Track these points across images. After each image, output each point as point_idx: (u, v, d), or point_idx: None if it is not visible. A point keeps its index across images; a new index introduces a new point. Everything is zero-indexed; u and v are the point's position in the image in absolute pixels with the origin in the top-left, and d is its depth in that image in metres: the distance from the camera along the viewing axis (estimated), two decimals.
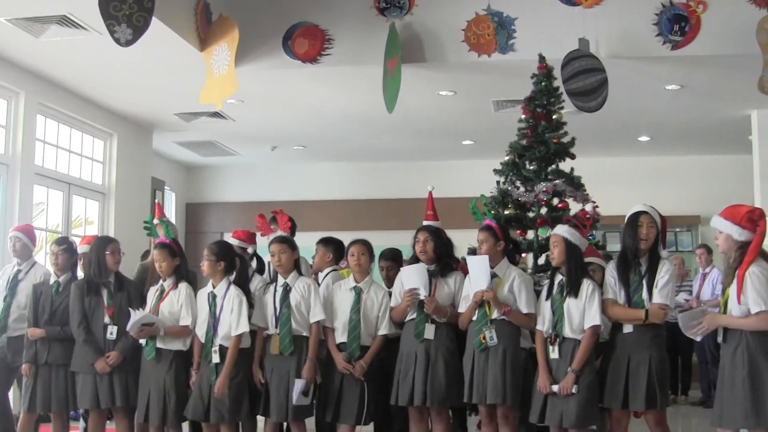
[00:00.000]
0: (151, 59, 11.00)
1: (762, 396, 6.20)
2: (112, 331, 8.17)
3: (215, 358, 7.77)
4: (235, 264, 8.12)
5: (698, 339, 6.89)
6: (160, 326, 7.95)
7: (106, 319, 8.20)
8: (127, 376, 8.16)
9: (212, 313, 7.87)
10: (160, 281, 8.21)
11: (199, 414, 7.81)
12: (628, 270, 7.04)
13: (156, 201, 9.99)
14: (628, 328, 7.00)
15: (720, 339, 6.57)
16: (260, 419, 8.13)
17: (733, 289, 6.37)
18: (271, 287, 8.05)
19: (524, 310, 7.38)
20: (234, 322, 7.79)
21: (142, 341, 8.04)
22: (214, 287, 7.97)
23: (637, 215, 7.06)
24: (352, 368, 7.72)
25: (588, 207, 8.67)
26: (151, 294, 8.22)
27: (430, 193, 8.35)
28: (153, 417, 7.92)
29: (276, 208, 9.16)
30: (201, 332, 7.90)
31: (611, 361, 7.05)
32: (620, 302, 7.03)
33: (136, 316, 7.88)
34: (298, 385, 7.63)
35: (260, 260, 9.13)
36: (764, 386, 6.21)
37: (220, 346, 7.79)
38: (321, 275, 8.83)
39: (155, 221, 8.83)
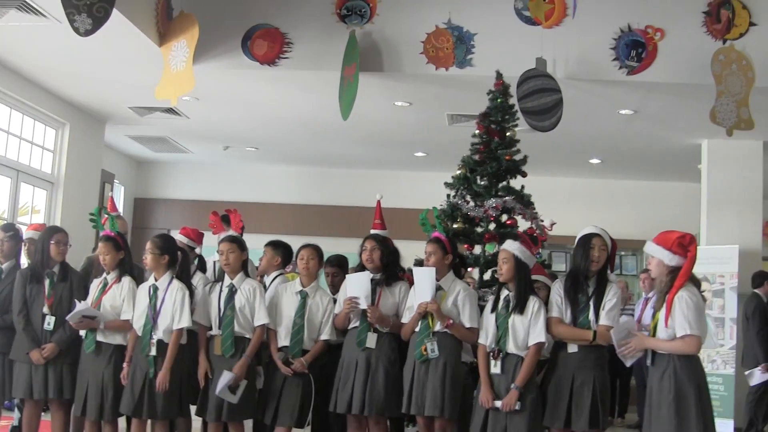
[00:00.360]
0: (109, 51, 10.93)
1: (687, 420, 6.29)
2: (49, 322, 8.12)
3: (153, 351, 7.72)
4: (178, 258, 8.09)
5: (628, 364, 6.93)
6: (101, 320, 7.89)
7: (45, 309, 8.15)
8: (62, 369, 8.11)
9: (152, 306, 7.81)
10: (104, 274, 8.15)
11: (130, 408, 7.75)
12: (576, 290, 7.09)
13: (110, 195, 9.90)
14: (572, 348, 7.05)
15: (648, 362, 6.63)
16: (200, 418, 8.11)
17: (662, 314, 6.47)
18: (217, 287, 8.02)
19: (467, 324, 7.40)
20: (177, 316, 7.77)
21: (82, 333, 7.98)
22: (156, 280, 7.93)
23: (589, 237, 7.13)
24: (291, 368, 7.71)
25: (546, 222, 8.71)
26: (94, 286, 8.16)
27: (379, 202, 8.36)
28: (90, 411, 7.87)
29: (226, 207, 9.14)
30: (138, 325, 7.83)
31: (553, 380, 7.08)
32: (566, 321, 7.07)
33: (79, 306, 7.83)
34: (226, 377, 7.60)
35: (202, 259, 9.08)
36: (689, 410, 6.30)
37: (159, 340, 7.75)
38: (268, 279, 8.80)
39: (106, 215, 8.78)
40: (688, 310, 6.34)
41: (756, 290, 12.68)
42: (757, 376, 12.19)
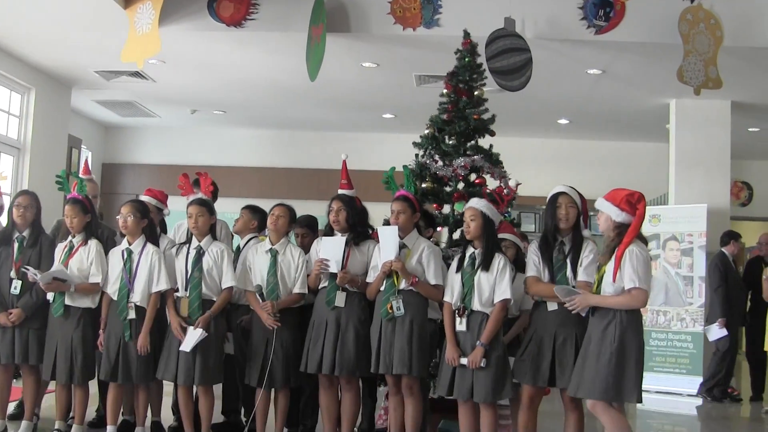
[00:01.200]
0: (73, 14, 10.87)
1: (626, 371, 6.34)
2: (16, 286, 8.03)
3: (131, 314, 7.75)
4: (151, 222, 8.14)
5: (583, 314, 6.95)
6: (71, 283, 7.85)
7: (12, 273, 8.06)
8: (28, 334, 8.04)
9: (128, 270, 7.82)
10: (69, 237, 8.10)
11: (108, 373, 7.76)
12: (550, 249, 7.09)
13: (85, 158, 9.85)
14: (552, 306, 7.01)
15: (589, 313, 6.66)
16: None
17: (609, 268, 6.50)
18: (184, 249, 7.99)
19: (432, 282, 7.40)
20: (155, 278, 7.81)
21: (49, 297, 7.93)
22: (130, 244, 7.91)
23: (556, 196, 7.10)
24: (268, 312, 7.74)
25: (512, 182, 8.69)
26: (60, 250, 8.09)
27: (344, 162, 8.32)
28: (60, 374, 7.85)
29: (195, 171, 9.08)
30: (113, 289, 7.84)
31: (534, 339, 7.07)
32: (544, 281, 7.08)
33: (54, 267, 7.82)
34: (194, 335, 7.62)
35: (163, 221, 9.03)
36: (630, 362, 6.35)
37: (136, 303, 7.77)
38: (242, 241, 8.78)
39: (76, 179, 8.73)
40: (638, 263, 6.38)
41: (723, 249, 12.77)
42: (714, 332, 12.31)
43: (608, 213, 6.65)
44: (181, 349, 7.65)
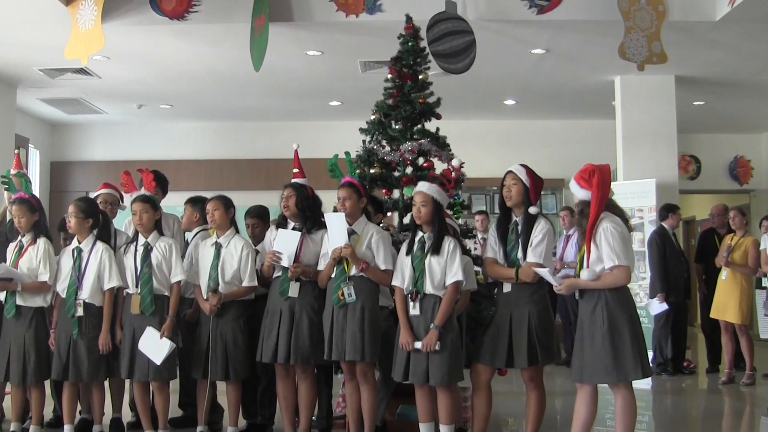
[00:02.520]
0: (15, 12, 10.78)
1: (621, 350, 6.37)
2: None
3: (79, 311, 7.74)
4: (100, 220, 8.10)
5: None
6: (19, 281, 7.82)
7: None
8: None
9: (77, 267, 7.82)
10: (19, 237, 8.06)
11: (59, 372, 7.77)
12: (503, 229, 7.17)
13: (15, 152, 9.75)
14: (507, 287, 7.13)
15: (577, 295, 6.69)
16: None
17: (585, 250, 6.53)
18: (131, 247, 8.00)
19: (382, 267, 7.42)
20: (105, 276, 7.83)
21: (1, 297, 7.89)
22: (79, 243, 7.91)
23: (505, 175, 7.18)
24: (212, 301, 7.78)
25: (455, 162, 8.70)
26: (10, 250, 8.07)
27: (296, 151, 8.34)
28: (13, 375, 7.85)
29: (143, 166, 9.06)
30: (62, 287, 7.84)
31: (494, 320, 7.16)
32: (500, 261, 7.15)
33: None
34: (152, 336, 7.67)
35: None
36: (623, 341, 6.38)
37: (84, 301, 7.76)
38: (190, 235, 8.78)
39: (12, 173, 8.66)
40: (613, 240, 6.41)
41: (662, 223, 12.89)
42: (654, 306, 12.42)
43: (573, 191, 6.70)
44: (153, 359, 7.67)
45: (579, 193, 6.62)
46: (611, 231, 6.42)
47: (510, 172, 7.19)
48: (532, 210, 7.14)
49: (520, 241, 7.07)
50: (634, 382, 6.52)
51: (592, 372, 6.50)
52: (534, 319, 7.00)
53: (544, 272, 6.78)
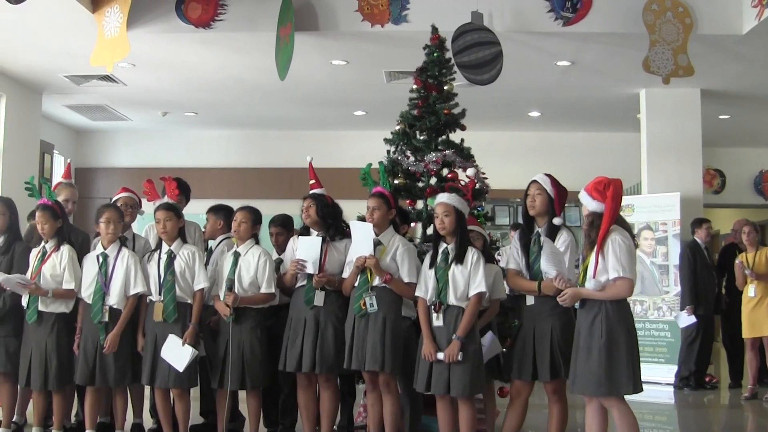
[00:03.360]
0: (41, 19, 10.80)
1: (616, 365, 6.34)
2: None
3: (106, 317, 7.78)
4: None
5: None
6: (49, 288, 7.85)
7: None
8: (1, 341, 8.06)
9: (103, 273, 7.84)
10: (42, 243, 8.08)
11: (85, 377, 7.78)
12: (526, 239, 7.15)
13: (68, 161, 9.86)
14: (530, 300, 7.08)
15: (577, 305, 6.64)
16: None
17: (591, 259, 6.50)
18: (155, 254, 8.01)
19: (406, 279, 7.40)
20: (131, 282, 7.85)
21: (24, 303, 7.93)
22: (105, 248, 7.92)
23: (528, 185, 7.17)
24: (225, 304, 7.79)
25: (470, 172, 8.69)
26: (33, 256, 8.09)
27: (311, 163, 8.33)
28: (34, 381, 7.85)
29: (167, 173, 9.07)
30: (88, 293, 7.85)
31: (519, 333, 7.13)
32: (523, 272, 7.12)
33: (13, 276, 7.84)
34: (175, 343, 7.67)
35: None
36: (620, 355, 6.35)
37: (111, 306, 7.79)
38: (214, 243, 8.78)
39: (62, 181, 8.76)
40: (620, 252, 6.37)
41: (694, 236, 12.84)
42: (683, 318, 12.38)
43: (583, 203, 6.67)
44: (174, 366, 7.67)
45: (590, 204, 6.58)
46: (620, 243, 6.39)
47: (534, 181, 7.17)
48: (556, 221, 7.11)
49: (542, 252, 7.01)
50: (656, 397, 6.48)
51: (584, 383, 6.47)
52: (557, 333, 6.96)
53: (548, 267, 6.77)
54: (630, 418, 6.47)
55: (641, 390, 6.53)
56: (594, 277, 6.41)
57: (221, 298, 7.89)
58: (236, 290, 7.81)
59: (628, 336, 6.42)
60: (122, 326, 7.78)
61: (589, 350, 6.42)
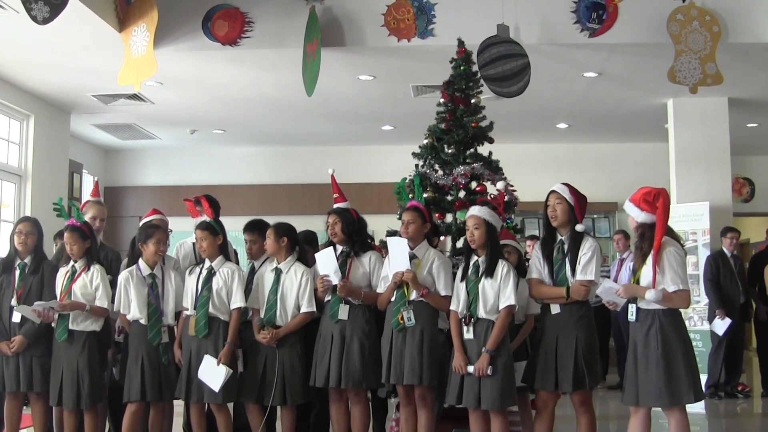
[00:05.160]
0: (68, 39, 10.88)
1: (675, 374, 6.34)
2: (17, 314, 8.06)
3: (165, 338, 7.89)
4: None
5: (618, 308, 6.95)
6: (87, 302, 7.92)
7: (13, 301, 8.10)
8: (31, 361, 8.07)
9: (156, 294, 7.91)
10: (71, 262, 8.12)
11: (138, 393, 7.79)
12: (549, 249, 7.13)
13: (95, 180, 9.94)
14: (555, 309, 7.05)
15: (632, 317, 6.64)
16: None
17: (645, 272, 6.51)
18: (197, 269, 8.06)
19: (442, 293, 7.41)
20: (183, 300, 8.04)
21: (53, 324, 7.96)
22: (152, 269, 7.99)
23: (548, 196, 7.16)
24: (264, 335, 7.78)
25: (500, 185, 8.70)
26: (62, 275, 8.12)
27: (332, 176, 8.34)
28: (67, 400, 7.85)
29: (197, 192, 9.11)
30: (142, 315, 7.86)
31: (541, 344, 7.10)
32: (546, 281, 7.10)
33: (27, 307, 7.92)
34: (221, 372, 7.68)
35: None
36: (678, 365, 6.35)
37: (168, 325, 7.95)
38: (258, 262, 8.65)
39: (91, 199, 8.90)
40: (677, 265, 6.42)
41: (722, 246, 12.83)
42: (718, 325, 12.34)
43: (632, 214, 6.67)
44: (210, 386, 7.70)
45: (639, 216, 6.58)
46: (674, 255, 6.42)
47: (553, 191, 7.16)
48: (579, 228, 7.08)
49: (567, 260, 7.04)
50: (688, 406, 6.47)
51: (645, 395, 6.47)
52: (581, 344, 6.94)
53: (603, 289, 6.77)
54: (687, 430, 6.49)
55: (703, 398, 6.60)
56: (654, 287, 6.40)
57: (261, 317, 7.91)
58: (278, 311, 7.85)
59: (684, 345, 6.43)
60: (178, 342, 7.99)
61: (646, 362, 6.44)
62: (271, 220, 8.41)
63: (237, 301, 7.90)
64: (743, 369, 13.52)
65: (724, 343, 12.57)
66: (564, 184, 7.22)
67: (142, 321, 7.86)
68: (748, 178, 18.74)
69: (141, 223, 8.59)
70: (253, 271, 8.44)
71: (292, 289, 7.89)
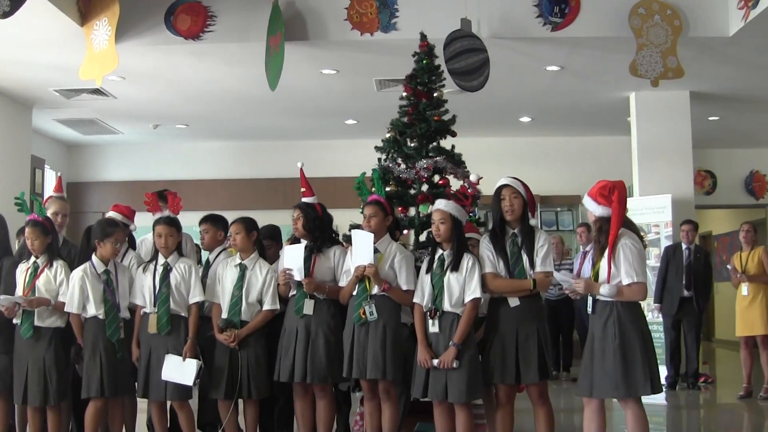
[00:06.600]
0: (30, 33, 10.81)
1: (632, 366, 6.35)
2: None
3: (122, 333, 7.79)
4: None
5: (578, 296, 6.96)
6: (51, 298, 7.85)
7: None
8: None
9: (111, 290, 7.81)
10: (32, 258, 8.04)
11: (98, 390, 7.67)
12: (501, 242, 7.12)
13: (58, 175, 9.90)
14: (514, 302, 7.03)
15: (589, 310, 6.68)
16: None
17: (603, 266, 6.53)
18: (151, 266, 7.98)
19: (404, 287, 7.41)
20: (134, 294, 7.98)
21: (16, 321, 7.89)
22: (106, 266, 7.89)
23: (499, 189, 7.14)
24: (226, 336, 7.74)
25: (472, 177, 8.70)
26: (22, 271, 8.02)
27: (301, 170, 8.32)
28: (33, 397, 7.74)
29: (160, 187, 9.07)
30: (100, 311, 7.75)
31: (498, 337, 7.07)
32: (501, 275, 7.10)
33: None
34: (191, 366, 7.65)
35: (132, 237, 8.97)
36: (635, 356, 6.36)
37: (124, 319, 7.84)
38: (212, 255, 8.68)
39: (54, 194, 8.88)
40: (632, 257, 6.41)
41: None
42: None
43: (589, 208, 6.68)
44: (182, 383, 7.66)
45: (597, 210, 6.59)
46: (630, 247, 6.42)
47: (507, 186, 7.13)
48: (533, 222, 7.18)
49: (523, 252, 7.05)
50: (650, 397, 6.51)
51: (601, 387, 6.48)
52: (542, 333, 6.99)
53: (562, 276, 6.82)
54: (644, 421, 6.50)
55: (660, 390, 6.60)
56: (608, 282, 6.43)
57: (223, 309, 7.89)
58: (242, 307, 7.82)
59: (641, 337, 6.43)
60: (136, 338, 7.92)
61: (603, 353, 6.44)
62: (236, 214, 8.35)
63: (196, 296, 7.86)
64: (706, 360, 13.59)
65: (671, 336, 12.74)
66: (514, 178, 7.22)
67: (100, 316, 7.78)
68: (710, 170, 18.87)
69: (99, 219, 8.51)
70: (208, 264, 8.43)
71: (257, 285, 7.88)
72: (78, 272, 7.86)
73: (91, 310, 7.78)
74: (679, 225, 13.03)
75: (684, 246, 12.88)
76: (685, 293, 12.75)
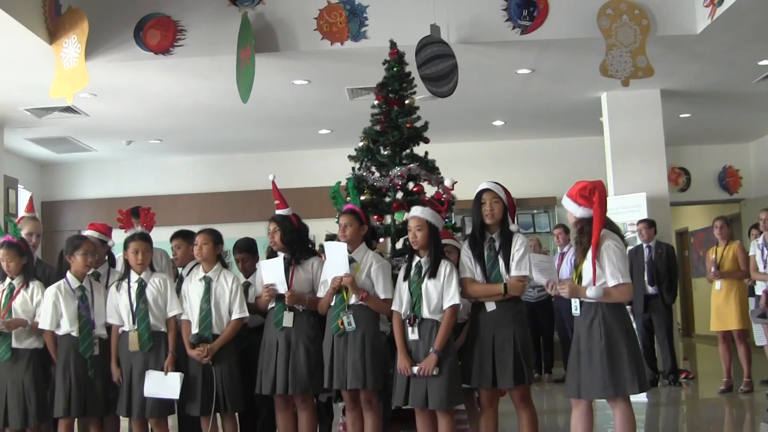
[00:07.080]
0: None
1: (620, 366, 6.37)
2: None
3: (96, 350, 7.75)
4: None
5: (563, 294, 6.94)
6: (28, 319, 7.81)
7: None
8: None
9: (86, 307, 7.78)
10: (7, 280, 7.99)
11: (79, 409, 7.67)
12: (480, 247, 7.13)
13: (30, 195, 9.87)
14: (490, 307, 7.05)
15: (575, 311, 6.68)
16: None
17: (586, 268, 6.54)
18: (124, 283, 7.92)
19: (382, 296, 7.41)
20: (109, 313, 7.88)
21: None
22: (80, 281, 7.86)
23: (480, 193, 7.16)
24: (199, 352, 7.69)
25: (447, 182, 8.71)
26: None
27: (273, 182, 8.31)
28: (13, 420, 7.70)
29: (135, 203, 9.05)
30: (74, 328, 7.71)
31: (476, 342, 7.09)
32: (478, 279, 7.10)
33: None
34: (174, 379, 7.62)
35: (111, 254, 8.94)
36: (621, 357, 6.38)
37: (99, 337, 7.79)
38: (184, 270, 8.68)
39: (26, 215, 8.86)
40: (616, 258, 6.43)
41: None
42: None
43: (569, 210, 6.69)
44: (167, 397, 7.65)
45: (577, 211, 6.60)
46: (614, 249, 6.45)
47: (488, 190, 7.15)
48: (513, 227, 7.17)
49: (500, 257, 7.06)
50: (632, 396, 6.53)
51: (589, 387, 6.49)
52: (518, 338, 6.98)
53: (539, 277, 6.83)
54: (632, 421, 6.52)
55: (648, 389, 6.64)
56: (594, 284, 6.44)
57: (192, 325, 7.85)
58: (213, 320, 7.77)
59: (627, 337, 6.46)
60: (115, 358, 7.83)
61: (590, 354, 6.46)
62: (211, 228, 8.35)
63: (174, 309, 7.85)
64: (686, 357, 13.63)
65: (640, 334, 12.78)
66: (496, 182, 7.24)
67: (74, 333, 7.74)
68: (683, 167, 18.92)
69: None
70: (182, 280, 8.41)
71: (224, 296, 7.85)
72: (52, 289, 7.83)
73: (65, 327, 7.75)
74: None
75: (644, 245, 12.92)
76: (650, 290, 12.77)
